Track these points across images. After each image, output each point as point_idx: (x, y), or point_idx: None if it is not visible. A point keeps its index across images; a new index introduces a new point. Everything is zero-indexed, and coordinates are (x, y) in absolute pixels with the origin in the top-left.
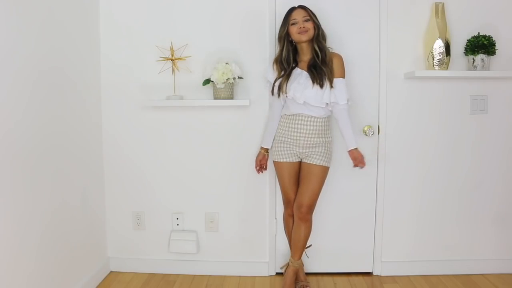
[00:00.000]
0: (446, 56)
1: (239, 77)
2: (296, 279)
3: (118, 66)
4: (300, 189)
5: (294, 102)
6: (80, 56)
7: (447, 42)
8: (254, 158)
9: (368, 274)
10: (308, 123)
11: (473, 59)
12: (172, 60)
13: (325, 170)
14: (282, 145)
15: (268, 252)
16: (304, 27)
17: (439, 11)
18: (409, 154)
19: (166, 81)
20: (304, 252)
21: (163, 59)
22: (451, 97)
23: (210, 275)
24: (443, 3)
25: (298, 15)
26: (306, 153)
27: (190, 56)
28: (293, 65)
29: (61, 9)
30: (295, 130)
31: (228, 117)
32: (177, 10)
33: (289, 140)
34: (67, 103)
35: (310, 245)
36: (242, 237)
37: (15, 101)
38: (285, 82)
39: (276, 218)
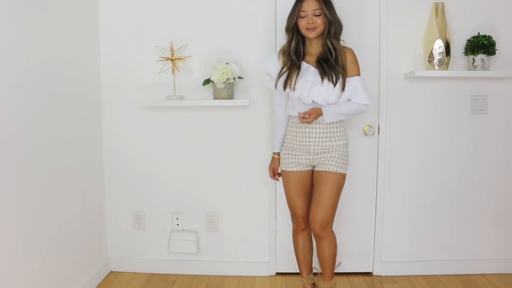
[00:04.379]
0: (446, 56)
1: (239, 77)
2: None
3: (118, 66)
4: (312, 202)
5: (300, 102)
6: (80, 56)
7: (447, 42)
8: (254, 158)
9: (368, 274)
10: (317, 125)
11: (473, 59)
12: (172, 60)
13: (341, 178)
14: (290, 152)
15: (268, 252)
16: (312, 23)
17: (439, 11)
18: (409, 154)
19: (166, 81)
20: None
21: (163, 59)
22: (451, 97)
23: (210, 275)
24: (443, 3)
25: (308, 7)
26: (319, 159)
27: (190, 56)
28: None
29: (61, 9)
30: (303, 134)
31: (228, 117)
32: (177, 10)
33: (297, 147)
34: (67, 103)
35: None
36: (242, 237)
37: (16, 103)
38: (294, 77)
39: (276, 218)
